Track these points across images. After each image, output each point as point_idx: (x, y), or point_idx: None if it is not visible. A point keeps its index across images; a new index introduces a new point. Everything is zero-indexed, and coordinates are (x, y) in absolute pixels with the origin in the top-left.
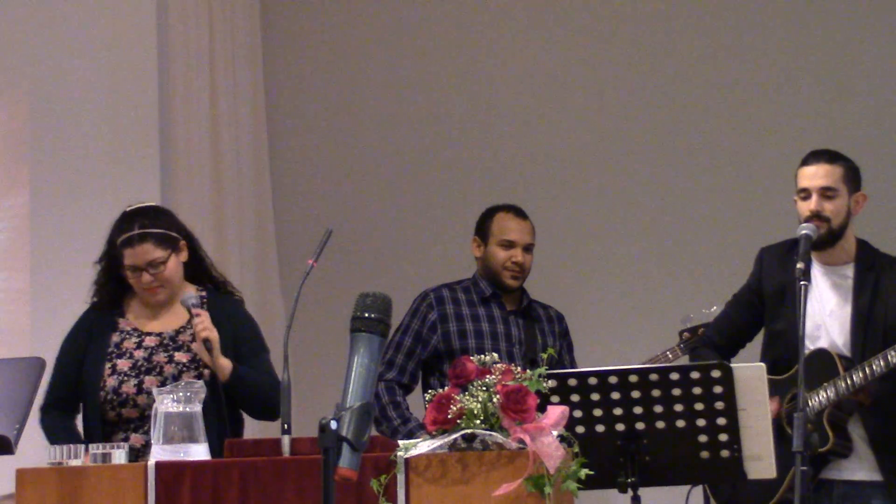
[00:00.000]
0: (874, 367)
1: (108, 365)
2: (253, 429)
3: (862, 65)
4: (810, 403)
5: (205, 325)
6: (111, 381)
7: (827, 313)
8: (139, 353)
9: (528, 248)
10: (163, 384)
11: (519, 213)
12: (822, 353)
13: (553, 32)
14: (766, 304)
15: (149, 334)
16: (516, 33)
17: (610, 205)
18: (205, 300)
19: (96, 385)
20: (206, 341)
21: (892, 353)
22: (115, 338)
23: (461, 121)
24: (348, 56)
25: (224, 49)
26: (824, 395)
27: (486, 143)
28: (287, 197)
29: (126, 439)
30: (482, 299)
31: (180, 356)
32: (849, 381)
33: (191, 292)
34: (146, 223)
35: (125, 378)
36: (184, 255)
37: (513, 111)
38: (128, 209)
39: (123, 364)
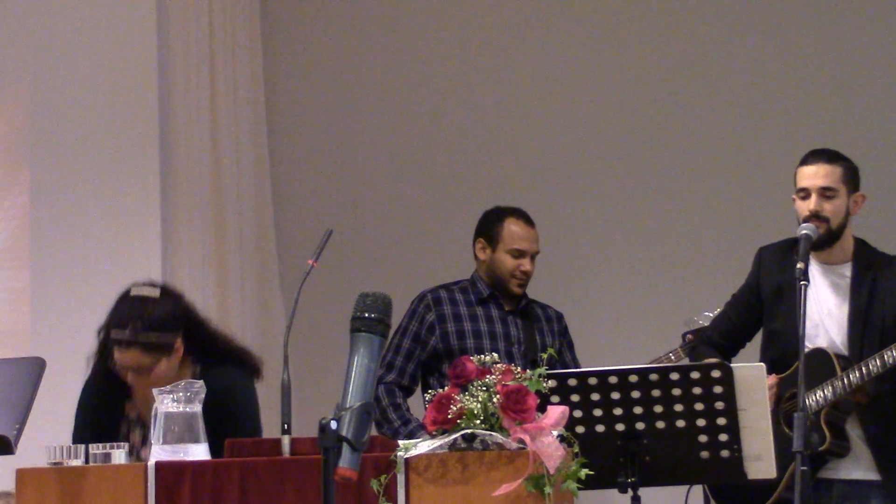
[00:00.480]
0: (870, 366)
1: None
2: None
3: (862, 65)
4: (807, 403)
5: None
6: None
7: (825, 313)
8: (144, 454)
9: (534, 256)
10: None
11: (528, 220)
12: (819, 353)
13: (554, 33)
14: (765, 304)
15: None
16: (517, 33)
17: (611, 204)
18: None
19: None
20: None
21: (889, 352)
22: (123, 428)
23: (461, 121)
24: (348, 56)
25: (224, 49)
26: (821, 395)
27: (487, 143)
28: (287, 197)
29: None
30: (480, 300)
31: None
32: (845, 381)
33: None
34: (139, 325)
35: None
36: (176, 355)
37: (513, 111)
38: (130, 292)
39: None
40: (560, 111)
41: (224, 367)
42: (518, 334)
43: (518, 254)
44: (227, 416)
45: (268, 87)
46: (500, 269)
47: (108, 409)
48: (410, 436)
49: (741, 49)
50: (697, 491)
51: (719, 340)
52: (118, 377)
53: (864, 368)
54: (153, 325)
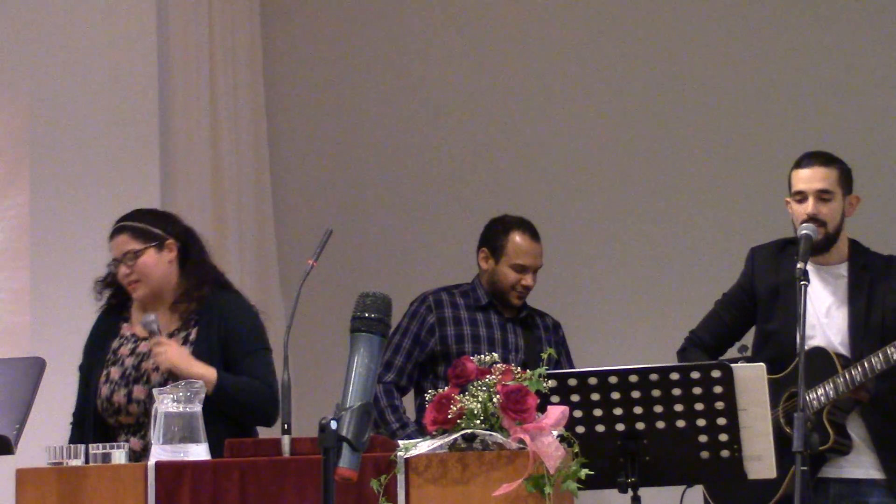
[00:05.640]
0: (874, 363)
1: (104, 372)
2: None
3: (862, 65)
4: (808, 401)
5: (163, 356)
6: (104, 390)
7: (823, 313)
8: (129, 361)
9: (536, 271)
10: (149, 394)
11: (533, 234)
12: (819, 352)
13: (556, 35)
14: (759, 304)
15: (145, 339)
16: (519, 35)
17: (611, 209)
18: (193, 312)
19: (94, 393)
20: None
21: (891, 348)
22: (115, 343)
23: (462, 121)
24: (348, 56)
25: (224, 49)
26: (822, 393)
27: (487, 144)
28: (287, 197)
29: (127, 441)
30: (479, 306)
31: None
32: (848, 378)
33: (151, 315)
34: (128, 217)
35: (116, 387)
36: (168, 255)
37: (514, 112)
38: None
39: (115, 372)
40: (561, 113)
41: (222, 293)
42: (516, 342)
43: (521, 269)
44: (233, 339)
45: (268, 87)
46: (501, 282)
47: (105, 333)
48: (408, 440)
49: (741, 51)
50: (697, 491)
51: (709, 341)
52: (118, 308)
53: (866, 365)
54: (142, 219)
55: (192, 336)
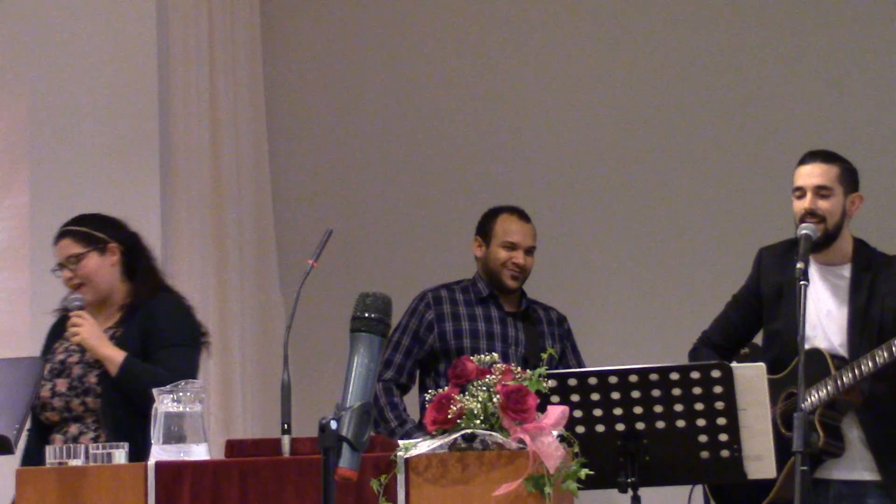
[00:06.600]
0: (863, 366)
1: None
2: (254, 429)
3: (861, 65)
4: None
5: (75, 329)
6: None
7: (824, 314)
8: (60, 357)
9: (529, 251)
10: (71, 386)
11: (522, 215)
12: (814, 353)
13: (554, 33)
14: (764, 304)
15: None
16: (518, 33)
17: (614, 205)
18: (122, 307)
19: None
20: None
21: (880, 352)
22: (57, 344)
23: (462, 121)
24: (349, 56)
25: (224, 49)
26: (816, 395)
27: (488, 143)
28: (287, 197)
29: (51, 441)
30: (480, 299)
31: (90, 356)
32: (839, 381)
33: (76, 294)
34: (71, 222)
35: (45, 382)
36: (111, 259)
37: (514, 111)
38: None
39: (46, 369)
40: (562, 110)
41: (158, 294)
42: (517, 335)
43: (510, 246)
44: (150, 332)
45: (268, 87)
46: (493, 263)
47: (53, 337)
48: (406, 437)
49: (741, 49)
50: (697, 491)
51: (719, 341)
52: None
53: (857, 369)
54: (84, 223)
55: (118, 334)
